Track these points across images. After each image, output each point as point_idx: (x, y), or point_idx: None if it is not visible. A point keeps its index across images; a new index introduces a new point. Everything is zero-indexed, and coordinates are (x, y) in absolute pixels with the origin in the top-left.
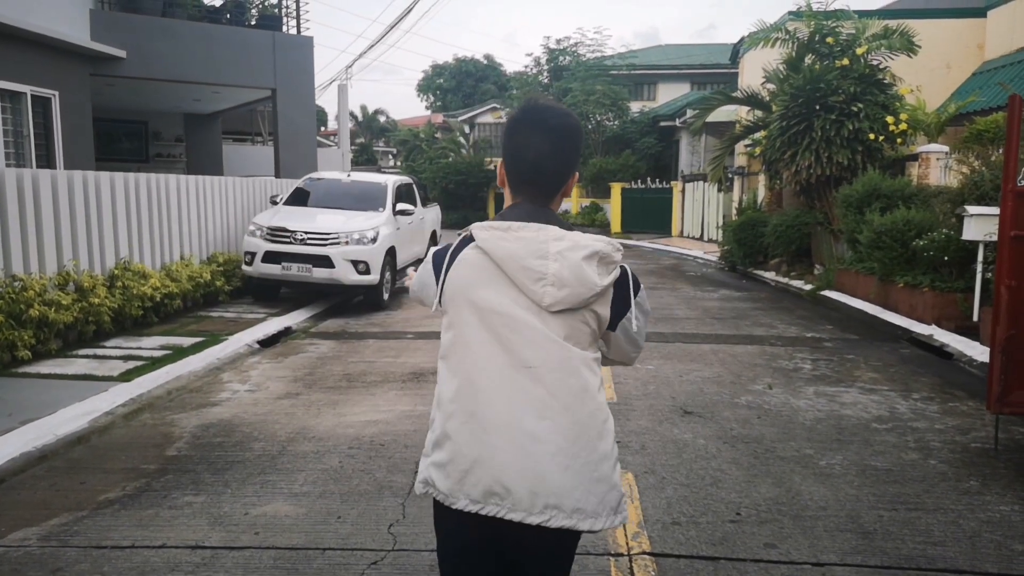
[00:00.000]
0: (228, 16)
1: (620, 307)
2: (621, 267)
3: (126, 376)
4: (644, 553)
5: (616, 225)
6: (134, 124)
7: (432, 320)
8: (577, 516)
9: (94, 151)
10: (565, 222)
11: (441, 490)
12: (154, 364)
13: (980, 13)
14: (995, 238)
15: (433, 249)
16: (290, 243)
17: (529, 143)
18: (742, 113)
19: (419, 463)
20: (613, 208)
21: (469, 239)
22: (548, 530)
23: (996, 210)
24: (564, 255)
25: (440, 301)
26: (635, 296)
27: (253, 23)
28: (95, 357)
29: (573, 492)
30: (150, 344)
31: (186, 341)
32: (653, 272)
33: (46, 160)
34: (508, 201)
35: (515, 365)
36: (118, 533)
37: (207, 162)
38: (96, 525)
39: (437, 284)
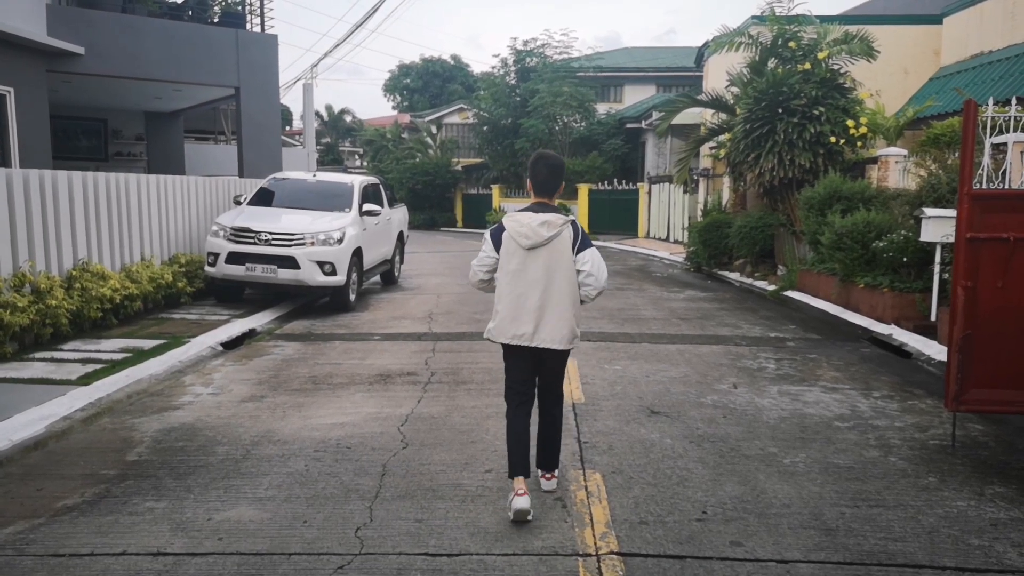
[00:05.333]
0: (190, 13)
1: (574, 244)
2: (573, 229)
3: (85, 380)
4: (612, 553)
5: (583, 226)
6: (93, 122)
7: (398, 322)
8: (563, 343)
9: (51, 149)
10: (559, 208)
11: (496, 336)
12: (114, 367)
13: (936, 20)
14: (952, 240)
15: (491, 230)
16: (254, 244)
17: (541, 170)
18: (707, 116)
19: (487, 329)
20: (580, 209)
21: (502, 226)
22: (551, 349)
23: (953, 212)
24: (530, 225)
25: (498, 253)
26: (584, 250)
27: (216, 20)
28: (52, 360)
29: (558, 332)
30: (110, 347)
31: (147, 344)
32: (620, 273)
33: (0, 158)
34: (533, 198)
35: (527, 276)
36: (77, 541)
37: (169, 161)
38: (54, 533)
39: (495, 248)
